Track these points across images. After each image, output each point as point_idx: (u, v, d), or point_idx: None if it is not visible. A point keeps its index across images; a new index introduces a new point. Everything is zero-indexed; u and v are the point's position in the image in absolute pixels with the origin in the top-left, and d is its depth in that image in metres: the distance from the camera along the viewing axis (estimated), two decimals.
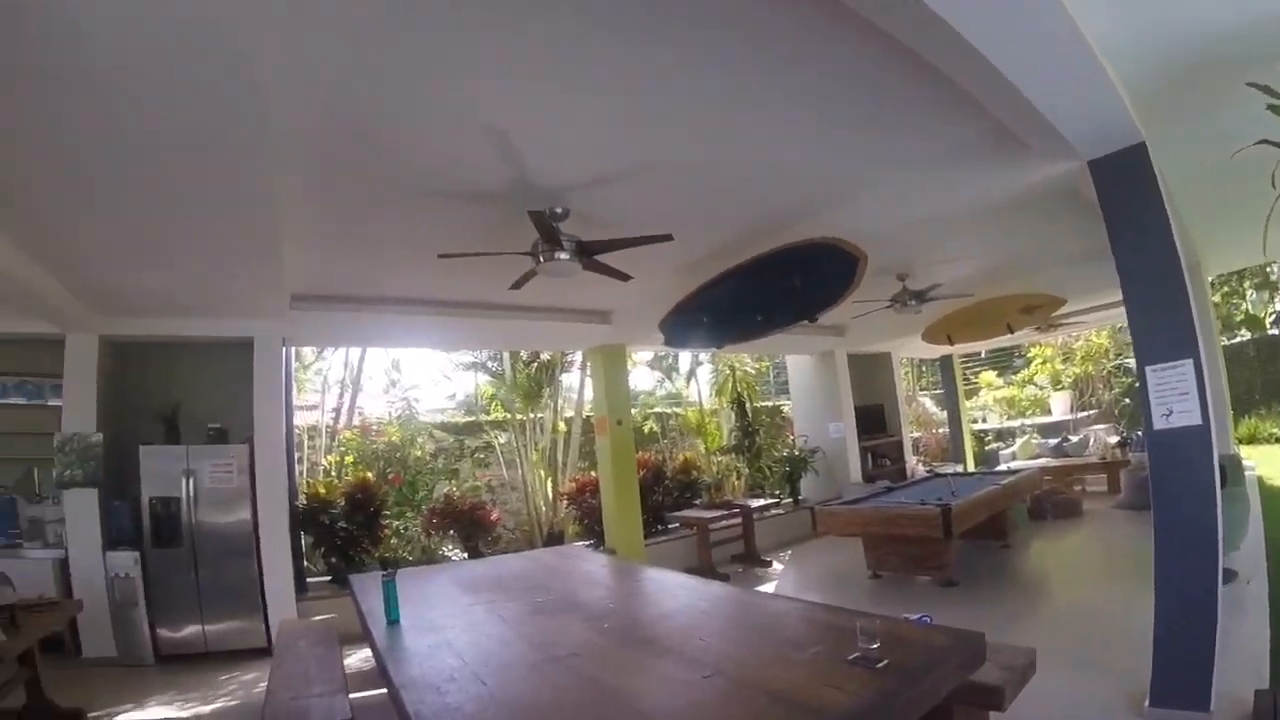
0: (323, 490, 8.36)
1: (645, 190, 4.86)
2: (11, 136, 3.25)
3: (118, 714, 5.29)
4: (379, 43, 3.03)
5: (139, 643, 6.45)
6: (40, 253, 4.88)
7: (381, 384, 13.71)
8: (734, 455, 12.62)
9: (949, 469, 12.32)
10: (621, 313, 8.48)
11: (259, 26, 2.63)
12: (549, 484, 11.13)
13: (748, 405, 12.84)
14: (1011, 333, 11.10)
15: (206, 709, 5.37)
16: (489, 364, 12.05)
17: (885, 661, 2.41)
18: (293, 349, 8.20)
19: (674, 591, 4.36)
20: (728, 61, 3.39)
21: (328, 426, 12.65)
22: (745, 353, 13.25)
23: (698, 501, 10.72)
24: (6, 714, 4.69)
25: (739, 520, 9.44)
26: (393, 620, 3.77)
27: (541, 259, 5.00)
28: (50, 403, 7.07)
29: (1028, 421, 16.93)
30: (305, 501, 8.19)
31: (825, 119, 4.10)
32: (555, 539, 9.87)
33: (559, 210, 4.85)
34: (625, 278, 5.50)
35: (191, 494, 6.68)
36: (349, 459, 11.01)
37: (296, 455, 8.85)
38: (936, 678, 2.39)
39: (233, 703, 5.47)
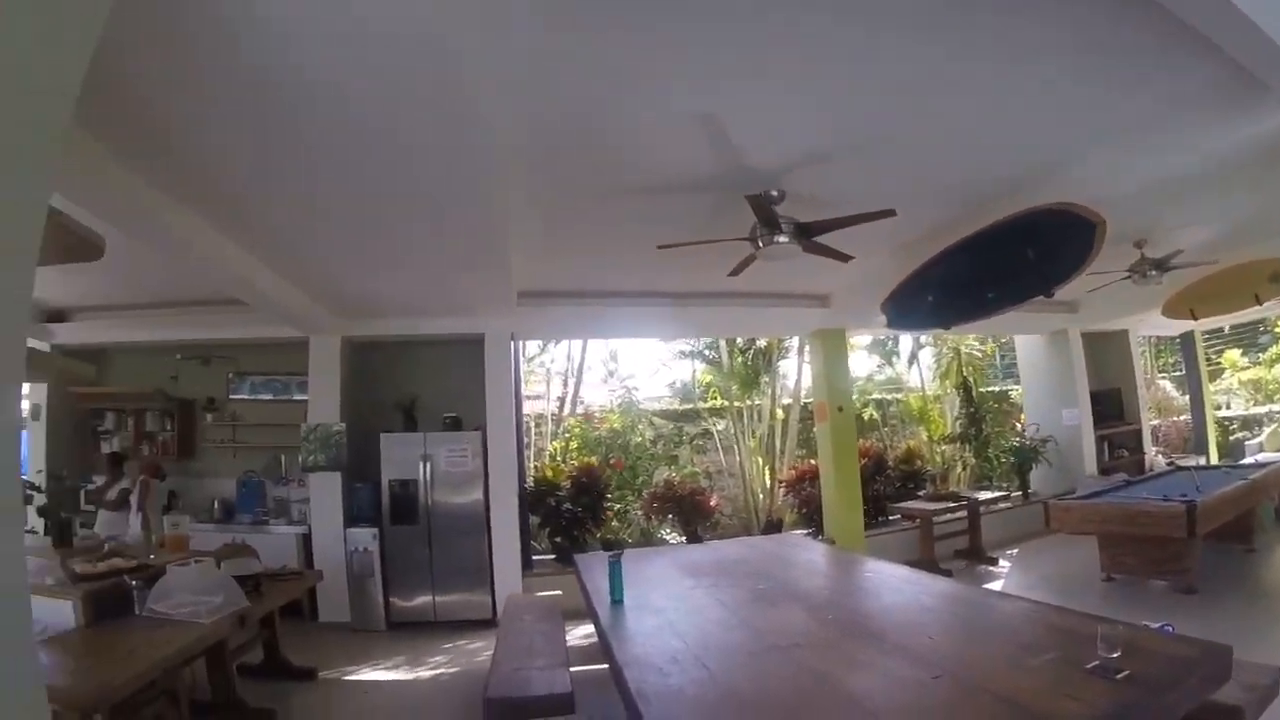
0: (550, 474, 8.71)
1: (862, 167, 4.60)
2: (268, 176, 3.89)
3: (349, 673, 5.70)
4: (588, 50, 3.10)
5: (372, 610, 6.98)
6: (290, 272, 5.77)
7: (600, 374, 14.06)
8: (959, 444, 11.76)
9: (1190, 461, 10.72)
10: (840, 295, 8.13)
11: (488, 56, 2.85)
12: (766, 471, 10.90)
13: (973, 390, 11.91)
14: (1259, 304, 9.39)
15: (431, 673, 5.68)
16: (706, 352, 11.97)
17: (1125, 672, 2.18)
18: (520, 342, 8.53)
19: (898, 585, 4.09)
20: (944, 29, 3.11)
21: (552, 414, 13.08)
22: (971, 334, 12.26)
23: (921, 493, 10.02)
24: (246, 668, 5.16)
25: (964, 514, 8.77)
26: (617, 600, 3.78)
27: (761, 243, 4.87)
28: (295, 397, 7.90)
29: (1276, 408, 14.37)
30: (533, 484, 8.55)
31: (1048, 79, 3.67)
32: (773, 526, 9.67)
33: (775, 193, 4.68)
34: (846, 258, 5.21)
35: (428, 477, 7.13)
36: (573, 445, 11.37)
37: (524, 442, 9.21)
38: (1178, 694, 2.13)
39: (455, 669, 5.74)
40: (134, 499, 6.48)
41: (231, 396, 8.12)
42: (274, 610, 5.15)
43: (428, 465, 7.14)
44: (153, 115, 3.12)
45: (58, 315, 7.35)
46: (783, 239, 4.77)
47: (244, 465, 7.94)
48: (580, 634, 5.95)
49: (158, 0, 2.32)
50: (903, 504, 9.23)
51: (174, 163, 3.63)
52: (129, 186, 3.68)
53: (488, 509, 7.20)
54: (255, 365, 8.12)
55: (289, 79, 2.83)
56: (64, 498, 7.02)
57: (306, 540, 7.23)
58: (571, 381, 14.09)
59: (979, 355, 13.22)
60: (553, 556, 8.38)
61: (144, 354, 7.91)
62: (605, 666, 3.11)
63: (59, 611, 3.77)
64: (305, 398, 7.56)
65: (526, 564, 7.58)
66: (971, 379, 12.08)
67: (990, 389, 13.59)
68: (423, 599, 7.07)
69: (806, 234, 4.82)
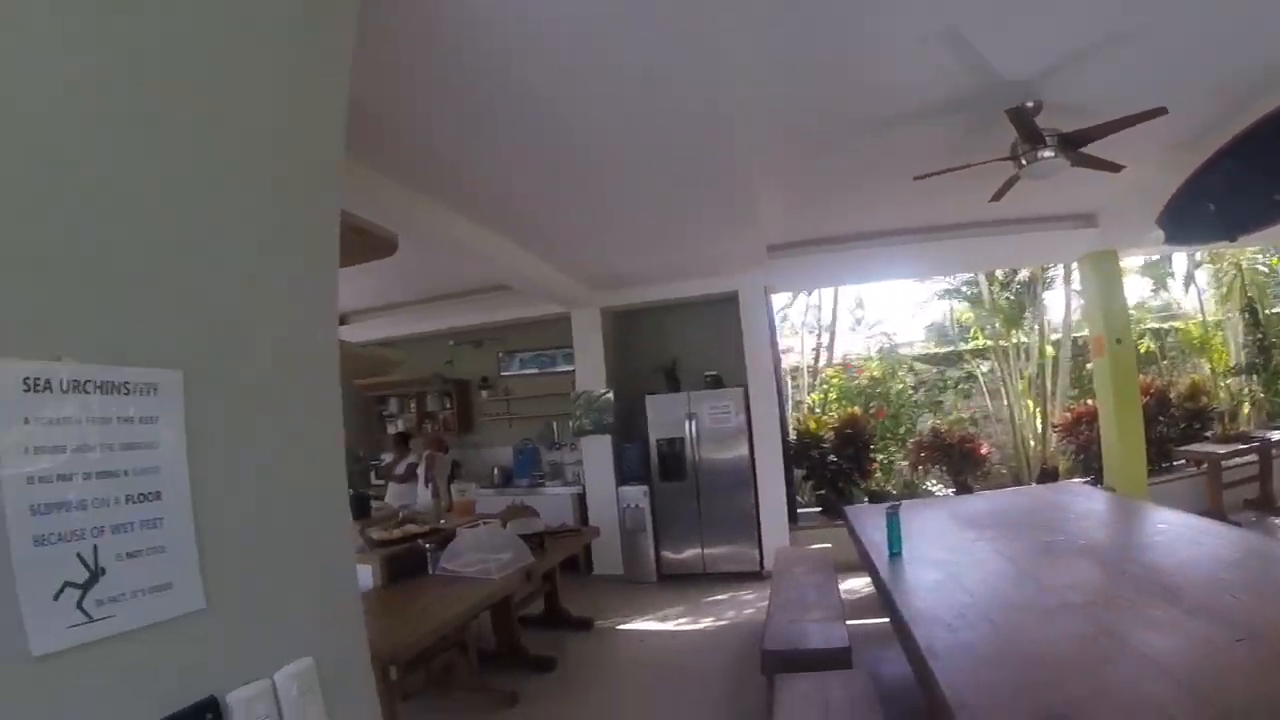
0: (813, 426, 8.67)
1: (1122, 65, 4.05)
2: (527, 174, 4.27)
3: (623, 623, 6.04)
4: None
5: (644, 564, 7.38)
6: (550, 255, 6.25)
7: (848, 322, 13.79)
8: (1245, 376, 10.14)
9: None
10: (1109, 212, 7.27)
11: (733, 25, 2.92)
12: (1037, 414, 10.17)
13: (1260, 313, 10.15)
14: None
15: (702, 624, 5.89)
16: (963, 289, 11.30)
17: None
18: (772, 296, 8.50)
19: (1194, 537, 3.69)
20: None
21: (808, 366, 12.87)
22: (1255, 246, 10.44)
23: (1208, 434, 8.87)
24: (528, 619, 5.63)
25: (1254, 457, 7.67)
26: (895, 553, 3.71)
27: (1024, 161, 4.49)
28: (561, 369, 8.48)
29: None
30: (796, 437, 8.55)
31: None
32: (1048, 475, 8.96)
33: (1031, 104, 4.29)
34: (1117, 168, 4.70)
35: (693, 434, 7.39)
36: (831, 396, 11.25)
37: (785, 395, 9.23)
38: None
39: (725, 621, 5.92)
40: (421, 471, 7.17)
41: (503, 373, 8.89)
42: (554, 565, 5.55)
43: (692, 423, 7.38)
44: (427, 139, 3.58)
45: (340, 320, 8.30)
46: (1048, 153, 4.37)
47: (519, 434, 8.68)
48: (846, 587, 5.97)
49: (432, 45, 2.66)
50: (1188, 447, 8.19)
51: (445, 175, 4.09)
52: (407, 199, 4.22)
53: (753, 463, 7.32)
54: (522, 343, 8.82)
55: (547, 83, 3.12)
56: (357, 475, 8.00)
57: (581, 499, 7.82)
58: (824, 332, 13.79)
59: (1264, 271, 11.38)
60: (818, 509, 8.36)
61: (419, 343, 8.72)
62: (878, 621, 3.03)
63: (361, 574, 4.30)
64: (571, 368, 8.08)
65: (792, 517, 7.63)
66: (1257, 300, 10.28)
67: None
68: (692, 552, 7.36)
69: (1072, 145, 4.39)
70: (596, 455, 7.67)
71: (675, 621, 6.00)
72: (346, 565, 1.28)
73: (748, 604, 6.23)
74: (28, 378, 0.82)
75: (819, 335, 13.64)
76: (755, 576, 6.98)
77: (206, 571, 0.98)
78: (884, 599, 3.19)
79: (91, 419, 0.88)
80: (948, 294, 11.77)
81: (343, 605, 1.23)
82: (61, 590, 0.84)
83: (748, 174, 4.63)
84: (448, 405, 8.97)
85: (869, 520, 4.45)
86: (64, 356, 0.84)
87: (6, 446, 0.81)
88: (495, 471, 8.55)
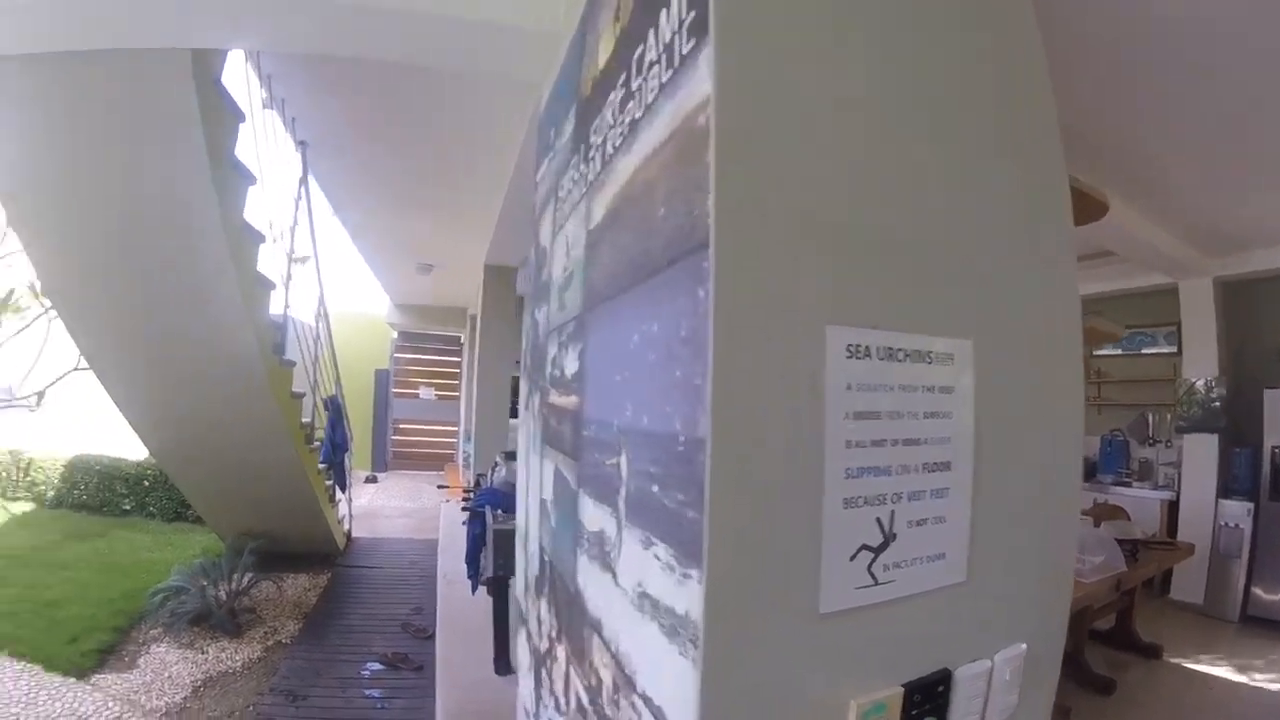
0: None
1: None
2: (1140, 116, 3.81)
3: (1192, 660, 5.05)
4: None
5: (1229, 596, 5.97)
6: (1154, 210, 5.37)
7: None
8: None
9: None
10: None
11: None
12: None
13: None
14: None
15: None
16: None
17: None
18: None
19: None
20: None
21: None
22: None
23: None
24: (1097, 632, 5.01)
25: None
26: None
27: None
28: (1163, 350, 7.18)
29: None
30: None
31: None
32: None
33: None
34: None
35: None
36: None
37: None
38: None
39: None
40: None
41: (1095, 353, 7.85)
42: (1141, 579, 4.86)
43: None
44: None
45: None
46: None
47: (1108, 423, 7.61)
48: None
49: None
50: None
51: None
52: None
53: None
54: (1121, 318, 7.64)
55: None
56: None
57: (1171, 507, 6.57)
58: None
59: None
60: None
61: None
62: None
63: None
64: (1173, 350, 6.87)
65: None
66: None
67: None
68: None
69: None
70: (1198, 458, 6.40)
71: (1256, 676, 4.81)
72: (1066, 552, 1.22)
73: None
74: (851, 344, 0.89)
75: None
76: None
77: (973, 545, 1.02)
78: None
79: (901, 386, 0.94)
80: None
81: (1056, 593, 1.20)
82: (857, 553, 0.90)
83: None
84: None
85: None
86: (879, 325, 0.93)
87: (833, 408, 0.89)
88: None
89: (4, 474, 9.36)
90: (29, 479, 9.29)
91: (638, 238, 1.13)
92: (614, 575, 1.18)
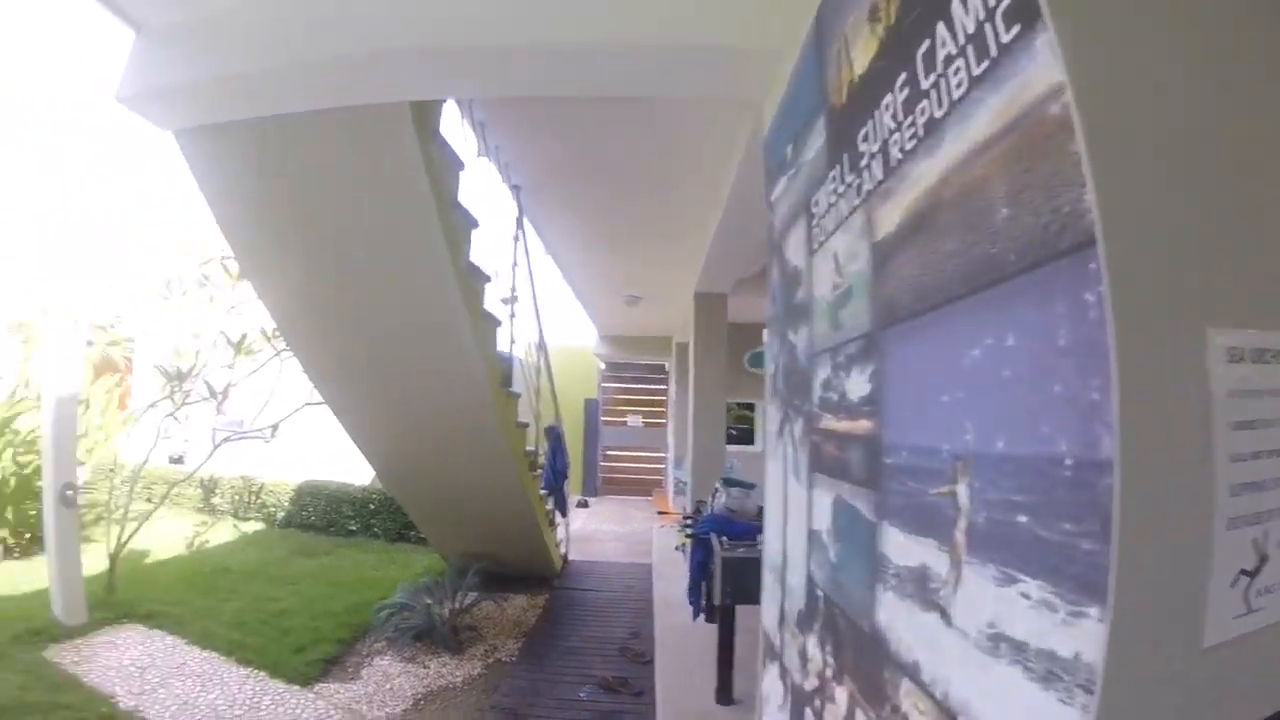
0: None
1: None
2: None
3: None
4: None
5: None
6: None
7: None
8: None
9: None
10: None
11: None
12: None
13: None
14: None
15: None
16: None
17: None
18: None
19: None
20: None
21: None
22: None
23: None
24: None
25: None
26: None
27: None
28: None
29: None
30: None
31: None
32: None
33: None
34: None
35: None
36: None
37: None
38: None
39: None
40: None
41: None
42: None
43: None
44: None
45: None
46: None
47: None
48: None
49: None
50: None
51: None
52: None
53: None
54: None
55: None
56: None
57: None
58: None
59: None
60: None
61: None
62: None
63: None
64: None
65: None
66: None
67: None
68: None
69: None
70: None
71: None
72: None
73: None
74: (1231, 347, 0.81)
75: None
76: None
77: None
78: None
79: (1274, 391, 0.84)
80: None
81: None
82: (1236, 578, 0.81)
83: None
84: None
85: None
86: (1258, 325, 0.83)
87: (1219, 419, 0.80)
88: None
89: (237, 497, 10.47)
90: (260, 501, 10.33)
91: (966, 244, 1.04)
92: (943, 615, 1.07)
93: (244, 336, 7.01)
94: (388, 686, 4.78)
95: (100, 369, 11.32)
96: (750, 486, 4.86)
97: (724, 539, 4.21)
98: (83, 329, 6.37)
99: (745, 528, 4.36)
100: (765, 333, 2.68)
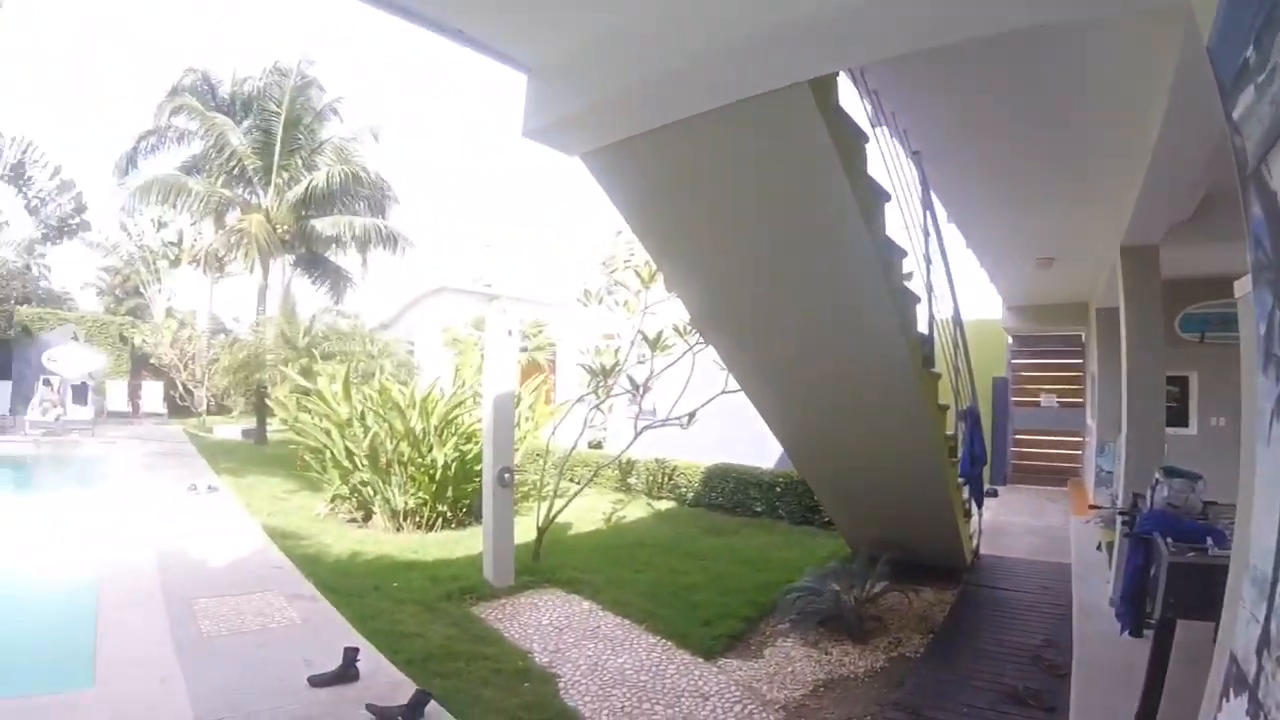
0: None
1: None
2: None
3: None
4: None
5: None
6: None
7: None
8: None
9: None
10: None
11: None
12: None
13: None
14: None
15: None
16: None
17: None
18: None
19: None
20: None
21: None
22: None
23: None
24: None
25: None
26: None
27: None
28: None
29: None
30: None
31: None
32: None
33: None
34: None
35: None
36: None
37: None
38: None
39: None
40: None
41: None
42: None
43: None
44: None
45: None
46: None
47: None
48: None
49: None
50: None
51: None
52: None
53: None
54: None
55: None
56: None
57: None
58: None
59: None
60: None
61: None
62: None
63: None
64: None
65: None
66: None
67: None
68: None
69: None
70: None
71: None
72: None
73: None
74: None
75: None
76: None
77: None
78: None
79: None
80: None
81: None
82: None
83: None
84: None
85: None
86: None
87: None
88: None
89: (650, 478, 11.45)
90: (672, 482, 11.22)
91: None
92: None
93: (659, 334, 7.56)
94: (788, 669, 4.80)
95: (528, 370, 13.14)
96: (1196, 478, 4.00)
97: (1167, 540, 3.52)
98: (516, 337, 7.35)
99: (1195, 528, 3.59)
100: (1236, 286, 2.14)
